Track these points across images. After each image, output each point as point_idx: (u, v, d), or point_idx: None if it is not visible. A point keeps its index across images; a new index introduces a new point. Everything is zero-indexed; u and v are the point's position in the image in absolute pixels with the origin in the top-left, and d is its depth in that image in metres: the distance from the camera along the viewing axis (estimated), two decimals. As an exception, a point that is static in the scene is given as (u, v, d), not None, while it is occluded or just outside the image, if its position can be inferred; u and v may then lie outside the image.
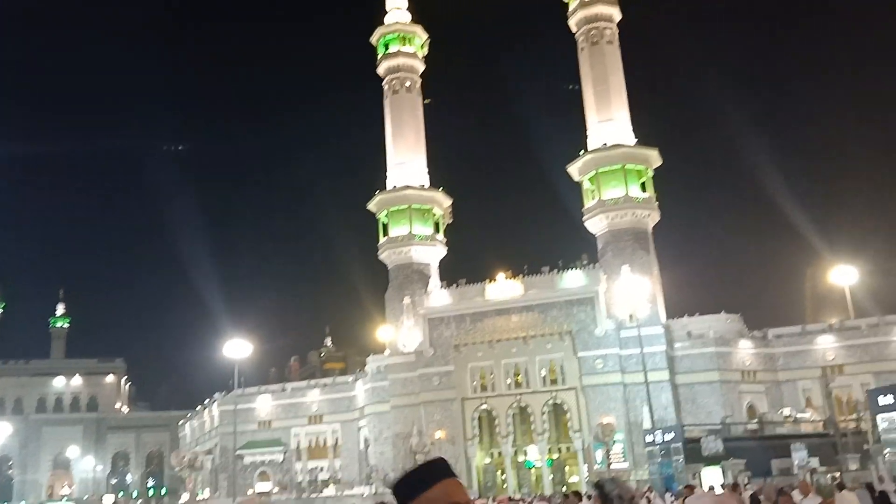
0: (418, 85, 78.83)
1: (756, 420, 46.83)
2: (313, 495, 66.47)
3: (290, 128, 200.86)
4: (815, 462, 34.65)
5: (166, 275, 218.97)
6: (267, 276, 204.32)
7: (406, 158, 75.41)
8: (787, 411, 47.19)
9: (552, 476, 59.98)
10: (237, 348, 65.43)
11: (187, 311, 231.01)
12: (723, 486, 28.83)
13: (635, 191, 65.92)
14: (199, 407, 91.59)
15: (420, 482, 2.67)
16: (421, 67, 79.09)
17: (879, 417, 31.72)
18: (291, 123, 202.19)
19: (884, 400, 31.80)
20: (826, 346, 59.28)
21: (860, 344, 58.37)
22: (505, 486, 60.75)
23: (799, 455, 34.13)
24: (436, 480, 2.67)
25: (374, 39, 79.31)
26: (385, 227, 73.04)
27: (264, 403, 77.13)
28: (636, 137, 68.57)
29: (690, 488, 21.53)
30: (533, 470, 61.69)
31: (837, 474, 32.45)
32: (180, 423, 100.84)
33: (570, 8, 72.63)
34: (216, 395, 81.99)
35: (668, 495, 30.88)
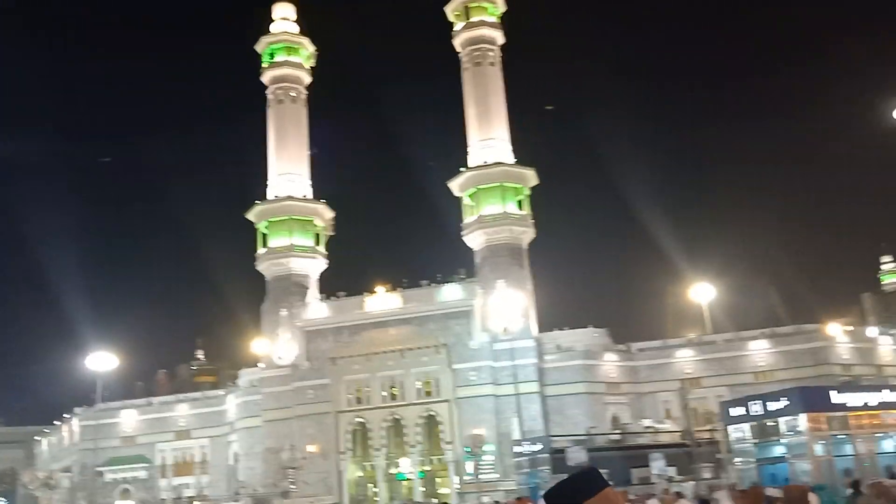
0: (304, 97, 77.34)
1: (619, 430, 47.90)
2: (178, 513, 63.37)
3: (169, 137, 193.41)
4: (672, 471, 35.47)
5: (25, 286, 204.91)
6: (137, 289, 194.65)
7: (288, 169, 73.65)
8: (647, 422, 48.50)
9: (423, 488, 59.41)
10: (100, 361, 61.83)
11: (48, 322, 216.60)
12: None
13: (512, 208, 66.90)
14: (57, 422, 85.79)
15: (581, 492, 2.58)
16: (307, 79, 77.63)
17: (731, 428, 32.81)
18: (171, 132, 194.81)
19: (735, 411, 32.93)
20: (685, 359, 61.66)
21: (716, 358, 61.02)
22: (376, 499, 59.72)
23: (657, 464, 34.82)
24: (598, 489, 2.59)
25: (259, 48, 77.33)
26: (265, 237, 70.95)
27: (129, 418, 72.96)
28: (515, 157, 69.68)
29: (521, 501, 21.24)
30: (405, 482, 60.94)
31: (692, 483, 33.30)
32: (36, 438, 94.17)
33: (455, 29, 73.33)
34: (77, 410, 76.97)
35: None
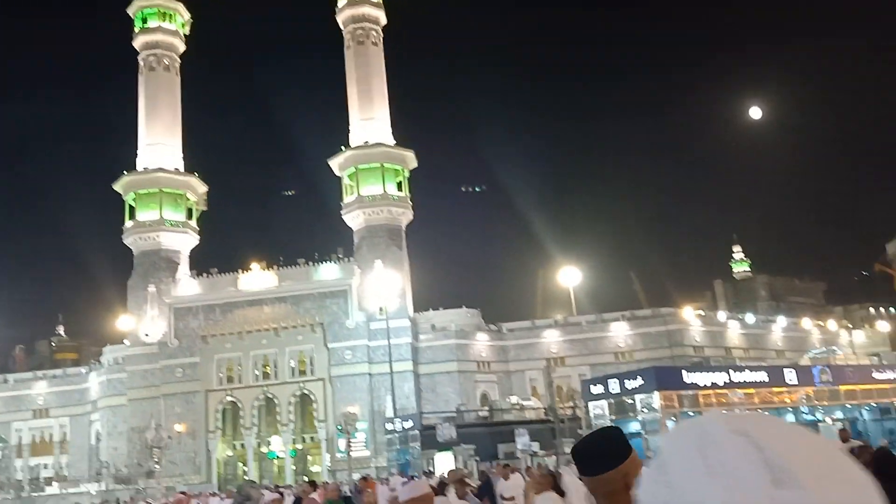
0: (178, 65, 74.08)
1: (487, 408, 49.08)
2: (34, 494, 59.97)
3: (32, 102, 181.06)
4: (536, 446, 36.73)
5: None
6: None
7: (160, 140, 70.40)
8: (514, 399, 49.93)
9: (294, 467, 58.89)
10: (-50, 335, 57.32)
11: None
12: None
13: (392, 189, 66.84)
14: None
15: (616, 453, 2.48)
16: (181, 47, 74.36)
17: (591, 405, 34.35)
18: (34, 97, 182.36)
19: (595, 389, 34.47)
20: (551, 339, 63.84)
21: (580, 338, 63.51)
22: (246, 477, 58.65)
23: (522, 440, 35.95)
24: (630, 451, 2.51)
25: (131, 11, 73.34)
26: (132, 210, 67.70)
27: (-18, 396, 68.34)
28: (395, 138, 69.57)
29: (364, 480, 21.42)
30: (276, 461, 60.18)
31: (554, 457, 34.55)
32: None
33: (339, 5, 72.16)
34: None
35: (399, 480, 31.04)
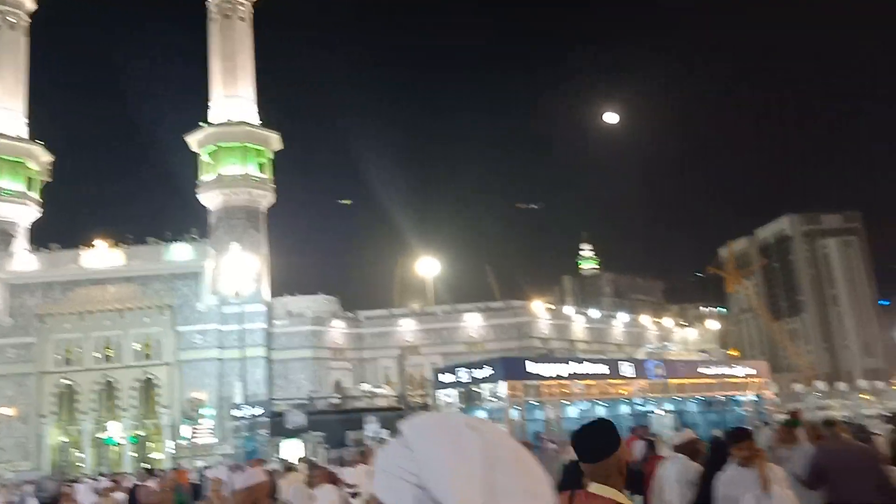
0: (25, 24, 68.38)
1: (339, 395, 48.45)
2: None
3: None
4: (385, 433, 36.53)
5: None
6: None
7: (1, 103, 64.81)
8: (365, 387, 49.59)
9: (135, 453, 55.85)
10: None
11: None
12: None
13: (253, 170, 64.62)
14: None
15: (612, 443, 2.84)
16: (31, 6, 68.69)
17: (441, 393, 34.51)
18: None
19: (445, 378, 34.63)
20: (407, 328, 63.94)
21: (435, 328, 63.98)
22: (80, 465, 55.10)
23: (371, 427, 35.68)
24: (620, 439, 2.87)
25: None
26: (-35, 177, 61.90)
27: None
28: (260, 119, 67.32)
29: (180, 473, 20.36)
30: (114, 447, 56.84)
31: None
32: None
33: (205, -24, 68.84)
34: None
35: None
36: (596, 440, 2.91)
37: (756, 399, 40.90)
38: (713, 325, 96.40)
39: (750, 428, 10.45)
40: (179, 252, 59.74)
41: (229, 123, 64.72)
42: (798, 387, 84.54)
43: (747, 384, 41.10)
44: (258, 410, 42.33)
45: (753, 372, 42.65)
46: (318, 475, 12.89)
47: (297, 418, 37.83)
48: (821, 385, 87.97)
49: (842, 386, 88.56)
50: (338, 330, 62.57)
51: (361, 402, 43.76)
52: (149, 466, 32.07)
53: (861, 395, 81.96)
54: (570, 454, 7.26)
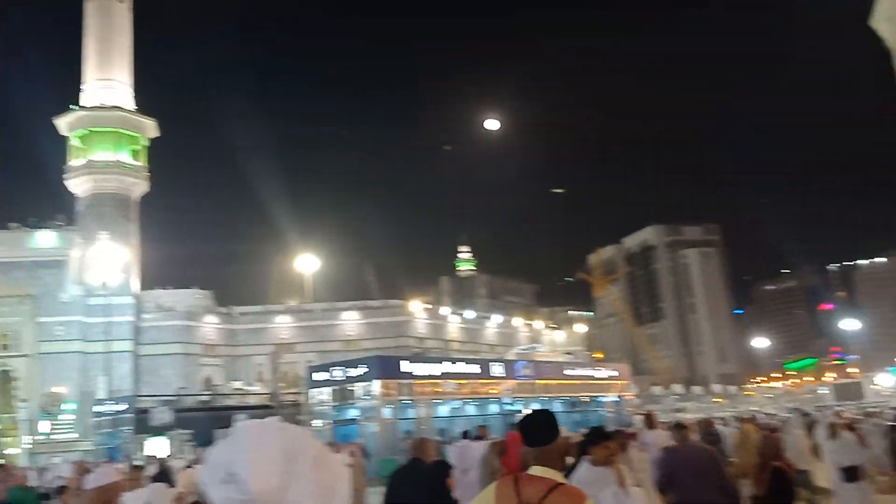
0: None
1: (208, 392, 47.02)
2: None
3: None
4: (255, 431, 35.75)
5: None
6: None
7: None
8: (237, 384, 48.42)
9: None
10: None
11: None
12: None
13: (126, 157, 61.69)
14: None
15: (555, 431, 3.28)
16: None
17: (314, 391, 34.11)
18: None
19: (319, 376, 34.28)
20: (282, 325, 62.85)
21: (311, 325, 63.20)
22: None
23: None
24: (559, 429, 3.32)
25: None
26: None
27: None
28: (137, 105, 64.31)
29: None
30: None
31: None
32: None
33: (81, -47, 65.09)
34: None
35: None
36: (541, 428, 3.27)
37: (617, 400, 42.81)
38: (580, 328, 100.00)
39: (608, 428, 10.96)
40: (43, 239, 56.23)
41: (102, 108, 61.56)
42: (657, 389, 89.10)
43: (610, 386, 42.96)
44: (122, 406, 40.54)
45: (615, 374, 44.66)
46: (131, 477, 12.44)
47: (163, 415, 36.49)
48: (678, 388, 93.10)
49: (697, 389, 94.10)
50: (210, 325, 60.65)
51: (232, 400, 42.69)
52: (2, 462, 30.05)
53: (715, 399, 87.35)
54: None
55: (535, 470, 3.17)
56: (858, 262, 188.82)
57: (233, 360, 60.61)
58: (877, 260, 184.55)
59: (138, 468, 10.57)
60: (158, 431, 36.03)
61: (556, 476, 3.14)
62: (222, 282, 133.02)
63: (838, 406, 44.08)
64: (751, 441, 9.98)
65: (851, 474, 9.91)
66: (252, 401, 42.52)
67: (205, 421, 36.71)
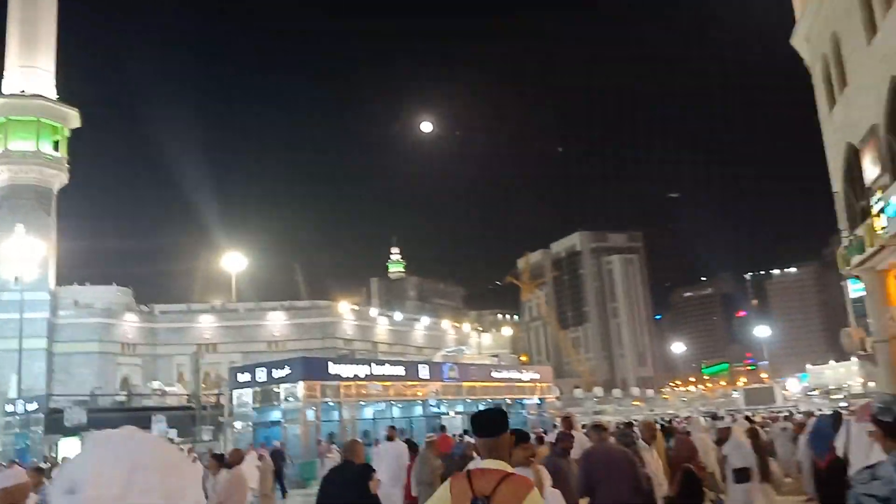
0: None
1: (126, 392, 45.48)
2: None
3: None
4: (174, 433, 34.72)
5: None
6: None
7: None
8: (156, 384, 46.98)
9: None
10: None
11: None
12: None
13: (47, 148, 59.30)
14: None
15: (505, 424, 3.52)
16: None
17: (237, 392, 33.32)
18: None
19: (242, 377, 33.51)
20: (206, 324, 61.35)
21: (236, 325, 61.91)
22: None
23: (158, 426, 33.76)
24: (508, 424, 3.56)
25: None
26: None
27: None
28: (59, 93, 61.81)
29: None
30: None
31: (191, 444, 32.98)
32: None
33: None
34: None
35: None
36: (493, 422, 3.52)
37: (539, 402, 43.30)
38: (507, 331, 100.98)
39: (529, 431, 11.01)
40: (-46, 231, 53.45)
41: (23, 95, 59.01)
42: (578, 392, 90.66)
43: (533, 388, 43.43)
44: (34, 406, 38.84)
45: (539, 377, 45.16)
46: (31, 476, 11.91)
47: (76, 416, 35.11)
48: (599, 391, 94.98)
49: (617, 392, 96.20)
50: (130, 323, 58.74)
51: (150, 401, 41.35)
52: None
53: (634, 402, 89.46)
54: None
55: (486, 462, 3.37)
56: (771, 271, 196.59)
57: (153, 359, 58.83)
58: (788, 270, 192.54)
59: (39, 470, 10.15)
60: (72, 432, 34.62)
61: (505, 467, 3.31)
62: (144, 279, 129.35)
63: (747, 410, 45.66)
64: (658, 444, 10.20)
65: (742, 475, 10.25)
66: (171, 402, 41.28)
67: (121, 422, 34.45)
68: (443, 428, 23.75)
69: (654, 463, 8.98)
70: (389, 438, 13.88)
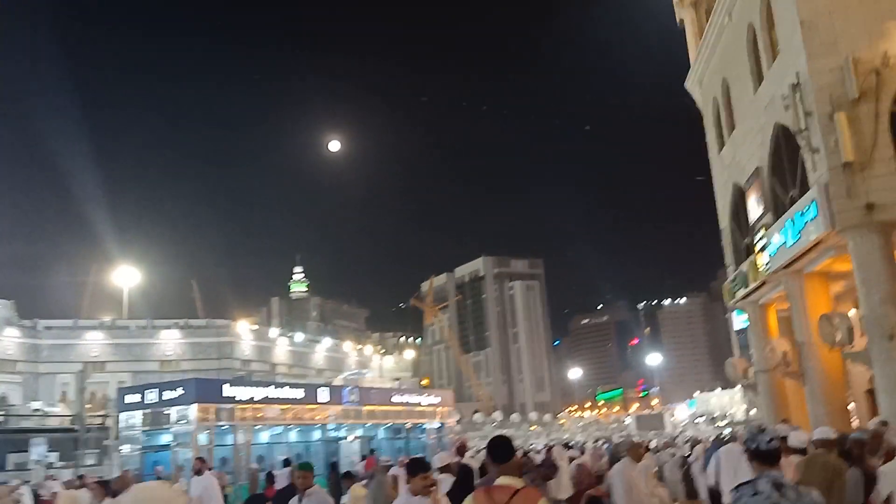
0: None
1: (2, 412, 42.76)
2: None
3: None
4: (54, 456, 32.92)
5: None
6: None
7: None
8: (37, 404, 44.39)
9: None
10: None
11: None
12: None
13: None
14: None
15: (513, 450, 4.26)
16: None
17: (124, 415, 31.86)
18: None
19: (130, 398, 32.06)
20: (93, 341, 58.49)
21: (126, 343, 59.29)
22: None
23: (38, 450, 32.01)
24: (514, 449, 4.33)
25: None
26: None
27: None
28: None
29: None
30: None
31: (74, 469, 31.36)
32: None
33: None
34: None
35: None
36: (505, 448, 4.21)
37: (440, 427, 43.37)
38: (409, 353, 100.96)
39: (426, 459, 11.08)
40: None
41: None
42: (478, 416, 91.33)
43: (434, 412, 43.45)
44: None
45: (439, 401, 45.26)
46: None
47: (-54, 437, 32.80)
48: (498, 415, 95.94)
49: (515, 417, 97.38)
50: (10, 338, 55.33)
51: (30, 422, 38.99)
52: None
53: (532, 427, 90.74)
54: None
55: (502, 480, 4.03)
56: (662, 301, 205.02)
57: (34, 377, 55.55)
58: (678, 301, 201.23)
59: None
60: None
61: (517, 483, 3.99)
62: (27, 291, 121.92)
63: (636, 436, 47.10)
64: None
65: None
66: (53, 423, 39.08)
67: None
68: (372, 451, 24.40)
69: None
70: (198, 472, 13.01)
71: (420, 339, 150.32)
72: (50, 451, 32.08)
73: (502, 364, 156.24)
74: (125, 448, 30.52)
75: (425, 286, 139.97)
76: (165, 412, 30.34)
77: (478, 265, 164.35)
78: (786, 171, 17.77)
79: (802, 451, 7.59)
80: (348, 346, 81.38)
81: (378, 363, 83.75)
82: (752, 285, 20.42)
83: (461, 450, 13.34)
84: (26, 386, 54.74)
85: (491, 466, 4.24)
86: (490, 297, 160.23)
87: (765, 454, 3.42)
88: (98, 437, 33.73)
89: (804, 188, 16.15)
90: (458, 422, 54.03)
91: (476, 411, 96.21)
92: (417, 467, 6.16)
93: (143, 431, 30.39)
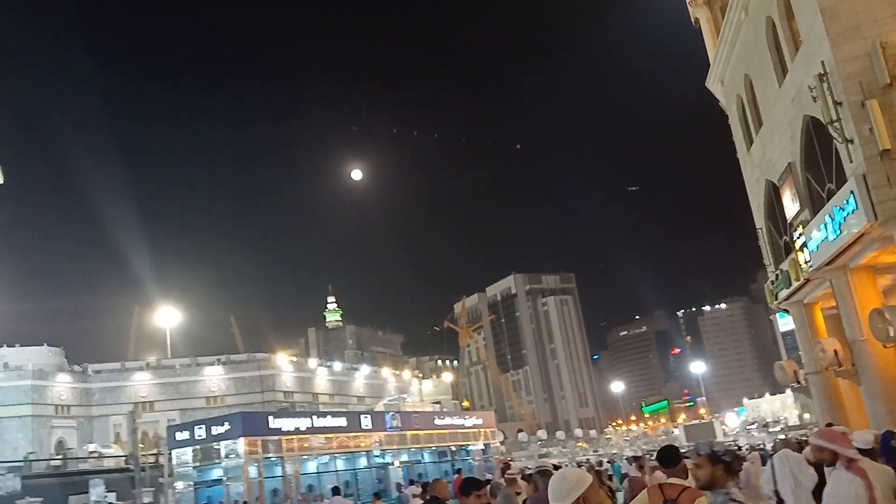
0: None
1: (61, 456, 43.49)
2: None
3: None
4: (112, 497, 33.33)
5: None
6: None
7: None
8: (92, 447, 45.09)
9: None
10: None
11: None
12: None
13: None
14: None
15: (680, 456, 5.60)
16: None
17: (176, 452, 32.26)
18: None
19: (181, 435, 32.51)
20: (141, 382, 59.34)
21: (172, 382, 60.04)
22: None
23: (97, 490, 32.35)
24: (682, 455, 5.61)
25: None
26: None
27: None
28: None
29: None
30: None
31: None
32: None
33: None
34: None
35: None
36: (674, 453, 5.47)
37: (484, 448, 43.10)
38: (447, 376, 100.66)
39: (480, 478, 11.03)
40: None
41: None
42: (522, 435, 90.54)
43: (477, 434, 43.25)
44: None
45: (481, 422, 45.05)
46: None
47: (9, 483, 33.35)
48: (542, 434, 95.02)
49: (560, 434, 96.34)
50: (63, 384, 56.43)
51: (87, 464, 39.60)
52: None
53: (578, 443, 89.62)
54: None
55: (671, 480, 4.73)
56: (702, 308, 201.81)
57: (88, 420, 56.51)
58: (718, 306, 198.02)
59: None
60: (6, 501, 32.88)
61: (684, 482, 4.69)
62: (75, 338, 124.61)
63: (688, 446, 46.15)
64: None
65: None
66: (109, 464, 39.62)
67: (57, 487, 33.95)
68: (458, 471, 24.75)
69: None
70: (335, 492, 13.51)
71: (457, 361, 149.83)
72: (108, 492, 32.44)
73: (542, 381, 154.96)
74: (179, 485, 30.89)
75: (458, 307, 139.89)
76: (215, 447, 30.71)
77: (509, 283, 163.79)
78: (820, 163, 17.29)
79: (869, 453, 7.31)
80: (386, 372, 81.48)
81: (417, 387, 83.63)
82: (796, 284, 19.82)
83: (504, 470, 13.28)
84: (81, 429, 55.64)
85: (661, 471, 5.36)
86: (524, 314, 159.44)
87: None
88: (153, 475, 34.08)
89: (841, 180, 15.66)
90: (502, 442, 53.63)
91: (520, 430, 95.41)
92: (471, 486, 6.08)
93: (195, 467, 30.76)
